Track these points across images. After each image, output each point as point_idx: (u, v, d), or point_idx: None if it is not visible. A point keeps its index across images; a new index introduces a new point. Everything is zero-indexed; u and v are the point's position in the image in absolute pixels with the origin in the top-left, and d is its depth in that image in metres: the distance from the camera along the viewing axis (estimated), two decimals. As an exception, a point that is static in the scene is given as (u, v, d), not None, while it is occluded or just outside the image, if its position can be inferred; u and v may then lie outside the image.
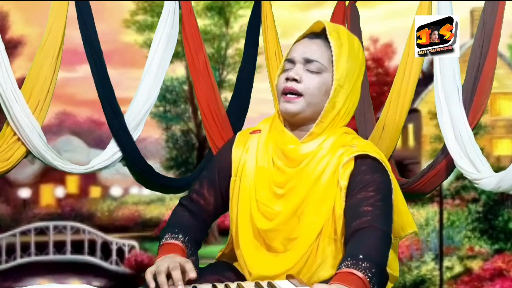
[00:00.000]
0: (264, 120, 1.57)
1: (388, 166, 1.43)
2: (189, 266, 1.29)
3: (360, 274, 1.20)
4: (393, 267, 1.51)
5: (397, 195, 1.45)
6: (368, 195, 1.35)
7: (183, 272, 1.28)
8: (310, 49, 1.44)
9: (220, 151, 1.60)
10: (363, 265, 1.22)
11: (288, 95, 1.43)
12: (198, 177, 1.59)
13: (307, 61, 1.43)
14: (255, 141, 1.52)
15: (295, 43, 1.49)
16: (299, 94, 1.42)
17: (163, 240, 1.44)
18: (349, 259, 1.24)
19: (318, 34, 1.47)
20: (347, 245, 1.32)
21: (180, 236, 1.44)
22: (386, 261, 1.30)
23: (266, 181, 1.46)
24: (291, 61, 1.46)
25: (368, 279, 1.20)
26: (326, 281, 1.39)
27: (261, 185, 1.46)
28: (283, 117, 1.48)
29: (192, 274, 1.27)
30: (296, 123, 1.46)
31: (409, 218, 1.51)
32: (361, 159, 1.40)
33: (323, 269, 1.40)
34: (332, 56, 1.43)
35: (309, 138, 1.44)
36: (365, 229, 1.31)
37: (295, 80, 1.42)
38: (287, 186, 1.43)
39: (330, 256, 1.39)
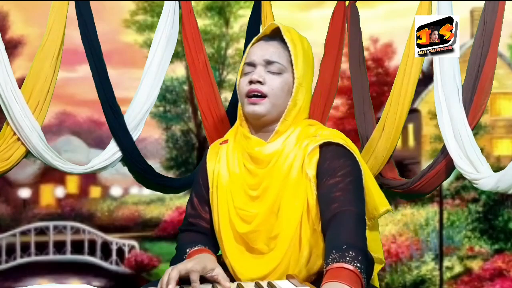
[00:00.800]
0: (229, 131, 1.62)
1: (355, 150, 1.46)
2: (222, 275, 1.31)
3: (350, 267, 1.22)
4: (375, 249, 1.53)
5: (367, 176, 1.47)
6: (337, 181, 1.38)
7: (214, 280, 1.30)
8: (269, 51, 1.49)
9: (199, 165, 1.64)
10: (349, 255, 1.23)
11: (253, 98, 1.46)
12: (188, 200, 1.62)
13: (268, 62, 1.48)
14: (224, 151, 1.56)
15: (250, 46, 1.54)
16: (263, 96, 1.46)
17: (185, 254, 1.46)
18: (334, 251, 1.25)
19: (272, 36, 1.53)
20: (326, 235, 1.34)
21: (200, 245, 1.48)
22: (366, 243, 1.32)
23: (240, 186, 1.49)
24: (251, 64, 1.50)
25: (358, 269, 1.22)
26: (317, 273, 1.44)
27: (236, 190, 1.50)
28: (248, 121, 1.51)
29: (227, 284, 1.29)
30: (261, 125, 1.50)
31: (381, 198, 1.53)
32: (325, 147, 1.43)
33: (312, 260, 1.43)
34: (289, 56, 1.49)
35: (275, 137, 1.48)
36: (340, 215, 1.33)
37: (259, 82, 1.46)
38: (261, 187, 1.46)
39: (315, 246, 1.42)
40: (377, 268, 1.56)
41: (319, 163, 1.42)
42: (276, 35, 1.53)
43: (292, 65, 1.49)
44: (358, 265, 1.23)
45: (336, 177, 1.39)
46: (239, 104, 1.54)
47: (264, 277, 1.43)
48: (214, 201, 1.54)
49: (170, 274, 1.25)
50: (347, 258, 1.23)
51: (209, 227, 1.57)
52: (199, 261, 1.31)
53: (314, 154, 1.43)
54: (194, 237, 1.55)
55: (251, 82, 1.47)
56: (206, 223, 1.58)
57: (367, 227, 1.39)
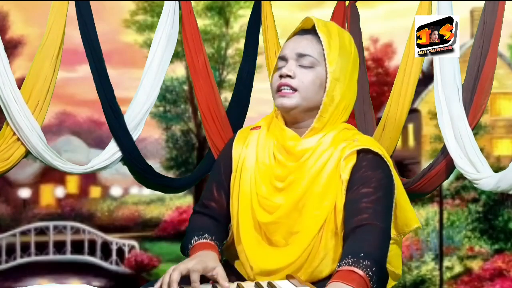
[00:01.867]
0: (264, 118, 1.58)
1: (390, 162, 1.43)
2: (222, 275, 1.29)
3: (361, 273, 1.20)
4: (395, 264, 1.51)
5: (399, 192, 1.45)
6: (369, 191, 1.36)
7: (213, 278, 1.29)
8: (301, 44, 1.45)
9: (222, 150, 1.61)
10: (364, 263, 1.22)
11: (283, 90, 1.44)
12: (206, 182, 1.60)
13: (299, 55, 1.44)
14: (255, 136, 1.53)
15: (286, 41, 1.51)
16: (293, 89, 1.43)
17: (191, 244, 1.45)
18: (350, 256, 1.24)
19: (308, 30, 1.48)
20: (346, 241, 1.33)
21: (207, 236, 1.45)
22: (386, 258, 1.31)
23: (267, 175, 1.46)
24: (283, 58, 1.47)
25: (368, 278, 1.20)
26: (327, 277, 1.40)
27: (262, 179, 1.47)
28: (281, 114, 1.49)
29: (225, 284, 1.28)
30: (293, 119, 1.47)
31: (412, 214, 1.50)
32: (363, 154, 1.40)
33: (325, 263, 1.40)
34: (323, 50, 1.44)
35: (310, 133, 1.45)
36: (365, 226, 1.31)
37: (289, 76, 1.43)
38: (288, 180, 1.43)
39: (332, 250, 1.39)
40: (391, 283, 1.55)
41: (354, 169, 1.39)
42: (313, 29, 1.48)
43: (325, 59, 1.44)
44: (370, 273, 1.21)
45: (369, 187, 1.36)
46: (272, 96, 1.51)
47: (277, 270, 1.40)
48: (236, 186, 1.50)
49: (172, 276, 1.24)
50: (361, 265, 1.21)
51: (222, 213, 1.54)
52: (201, 260, 1.30)
53: (351, 158, 1.40)
54: (203, 223, 1.52)
55: (281, 76, 1.44)
56: (219, 208, 1.54)
57: (392, 241, 1.37)
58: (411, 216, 1.50)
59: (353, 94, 1.50)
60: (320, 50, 1.44)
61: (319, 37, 1.45)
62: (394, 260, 1.42)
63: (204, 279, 1.40)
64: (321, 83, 1.44)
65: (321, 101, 1.44)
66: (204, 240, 1.45)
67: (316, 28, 1.45)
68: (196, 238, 1.45)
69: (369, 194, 1.35)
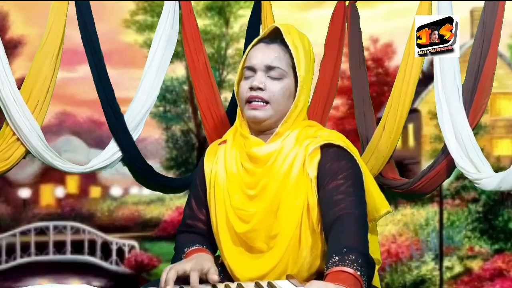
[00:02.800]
0: (228, 131, 1.61)
1: (354, 151, 1.46)
2: (214, 270, 1.31)
3: (350, 270, 1.22)
4: (373, 250, 1.52)
5: (367, 178, 1.47)
6: (338, 183, 1.38)
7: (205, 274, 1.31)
8: (270, 56, 1.47)
9: (197, 168, 1.64)
10: (349, 258, 1.23)
11: (254, 103, 1.46)
12: (186, 202, 1.62)
13: (269, 68, 1.46)
14: (222, 151, 1.56)
15: (250, 48, 1.52)
16: (265, 102, 1.45)
17: (183, 254, 1.47)
18: (334, 255, 1.25)
19: (273, 38, 1.51)
20: (328, 239, 1.34)
21: (198, 245, 1.49)
22: (367, 246, 1.32)
23: (238, 185, 1.49)
24: (251, 68, 1.49)
25: (358, 273, 1.22)
26: (316, 273, 1.44)
27: (233, 190, 1.49)
28: (248, 125, 1.51)
29: (214, 277, 1.29)
30: (261, 129, 1.49)
31: (381, 199, 1.53)
32: (326, 148, 1.43)
33: (308, 261, 1.42)
34: (290, 59, 1.47)
35: (274, 138, 1.48)
36: (341, 218, 1.33)
37: (260, 88, 1.45)
38: (258, 186, 1.46)
39: (312, 247, 1.42)
40: None
41: (320, 164, 1.42)
42: (276, 36, 1.51)
43: (293, 68, 1.48)
44: (358, 267, 1.22)
45: (338, 179, 1.39)
46: (238, 105, 1.53)
47: (263, 276, 1.43)
48: (212, 202, 1.54)
49: (168, 274, 1.26)
50: (347, 262, 1.23)
51: (206, 229, 1.57)
52: (198, 261, 1.32)
53: (315, 154, 1.43)
54: (191, 238, 1.55)
55: (251, 89, 1.46)
56: (203, 225, 1.58)
57: None
58: (380, 202, 1.52)
59: (309, 94, 1.54)
60: (287, 61, 1.48)
61: (285, 46, 1.48)
62: (371, 246, 1.43)
63: (202, 280, 1.41)
64: (290, 93, 1.48)
65: (288, 109, 1.47)
66: (197, 247, 1.48)
67: (284, 37, 1.48)
68: (187, 249, 1.48)
69: (339, 186, 1.38)
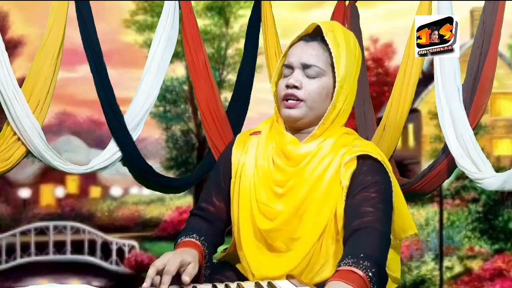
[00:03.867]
0: (264, 121, 1.57)
1: (389, 167, 1.43)
2: (188, 270, 1.29)
3: (360, 273, 1.20)
4: (393, 268, 1.51)
5: (398, 197, 1.45)
6: (369, 196, 1.35)
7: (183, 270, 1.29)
8: (307, 54, 1.43)
9: (222, 154, 1.60)
10: (364, 264, 1.22)
11: (289, 101, 1.42)
12: (205, 185, 1.59)
13: (305, 66, 1.43)
14: (255, 142, 1.52)
15: (290, 46, 1.48)
16: (300, 100, 1.42)
17: (176, 243, 1.46)
18: (349, 257, 1.24)
19: (314, 36, 1.47)
20: (346, 244, 1.32)
21: (194, 235, 1.45)
22: (385, 261, 1.30)
23: (266, 180, 1.45)
24: (289, 66, 1.46)
25: (368, 279, 1.20)
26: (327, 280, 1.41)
27: (261, 184, 1.46)
28: (282, 118, 1.48)
29: (185, 277, 1.28)
30: (297, 127, 1.46)
31: (410, 220, 1.51)
32: (363, 159, 1.40)
33: (326, 269, 1.40)
34: (330, 58, 1.43)
35: (310, 139, 1.44)
36: (365, 229, 1.31)
37: (295, 87, 1.42)
38: (287, 185, 1.43)
39: (332, 256, 1.39)
40: (391, 286, 1.55)
41: (354, 174, 1.39)
42: (317, 34, 1.46)
43: (332, 67, 1.43)
44: (370, 274, 1.21)
45: (369, 192, 1.36)
46: (276, 104, 1.50)
47: (278, 277, 1.40)
48: (236, 192, 1.50)
49: (148, 272, 1.25)
50: (361, 265, 1.22)
51: (218, 215, 1.54)
52: (178, 255, 1.31)
53: (351, 164, 1.39)
54: (196, 225, 1.52)
55: (287, 87, 1.43)
56: (215, 210, 1.54)
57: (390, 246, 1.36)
58: (408, 222, 1.50)
59: (354, 95, 1.49)
60: (326, 59, 1.43)
61: (325, 43, 1.43)
62: (392, 264, 1.42)
63: (212, 274, 1.40)
64: (328, 93, 1.43)
65: (326, 109, 1.43)
66: (190, 239, 1.45)
67: (325, 35, 1.43)
68: (183, 237, 1.46)
69: (369, 199, 1.35)
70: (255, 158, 1.49)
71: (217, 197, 1.54)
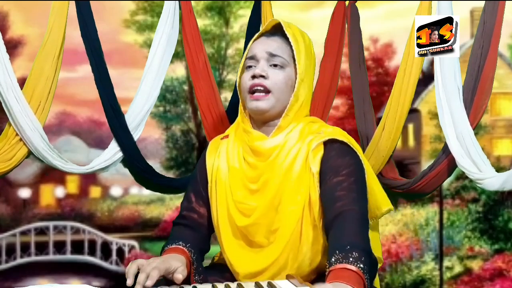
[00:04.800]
0: (230, 127, 1.62)
1: (357, 148, 1.46)
2: (179, 270, 1.31)
3: (353, 268, 1.22)
4: (375, 248, 1.53)
5: (370, 176, 1.47)
6: (341, 179, 1.38)
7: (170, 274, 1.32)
8: (271, 45, 1.48)
9: (198, 162, 1.64)
10: (353, 256, 1.24)
11: (256, 94, 1.45)
12: (184, 195, 1.62)
13: (271, 55, 1.47)
14: (224, 146, 1.56)
15: (252, 42, 1.52)
16: (267, 91, 1.45)
17: (163, 251, 1.49)
18: (337, 252, 1.25)
19: (273, 32, 1.52)
20: (329, 234, 1.34)
21: (180, 243, 1.48)
22: (369, 244, 1.32)
23: (240, 179, 1.49)
24: (253, 58, 1.49)
25: (361, 271, 1.22)
26: (316, 271, 1.44)
27: (235, 184, 1.49)
28: (249, 116, 1.51)
29: (177, 275, 1.31)
30: (263, 120, 1.49)
31: (384, 197, 1.53)
32: (330, 144, 1.43)
33: (309, 257, 1.43)
34: (291, 52, 1.48)
35: (276, 132, 1.48)
36: (343, 214, 1.33)
37: (262, 76, 1.45)
38: (260, 180, 1.46)
39: (313, 242, 1.42)
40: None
41: (323, 160, 1.42)
42: (277, 31, 1.52)
43: (294, 60, 1.48)
44: (361, 265, 1.23)
45: (340, 175, 1.39)
46: (240, 99, 1.53)
47: (262, 271, 1.43)
48: (213, 197, 1.54)
49: (129, 268, 1.30)
50: (350, 259, 1.23)
51: (201, 222, 1.57)
52: (164, 261, 1.33)
53: (318, 150, 1.43)
54: (181, 233, 1.55)
55: (254, 77, 1.46)
56: (198, 217, 1.57)
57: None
58: (381, 199, 1.52)
59: (312, 89, 1.55)
60: (289, 52, 1.48)
61: (286, 39, 1.49)
62: (373, 244, 1.44)
63: (203, 280, 1.41)
64: (291, 84, 1.48)
65: (288, 101, 1.47)
66: (176, 245, 1.47)
67: (285, 30, 1.49)
68: (169, 246, 1.48)
69: (341, 182, 1.38)
70: (226, 160, 1.53)
71: (198, 204, 1.58)
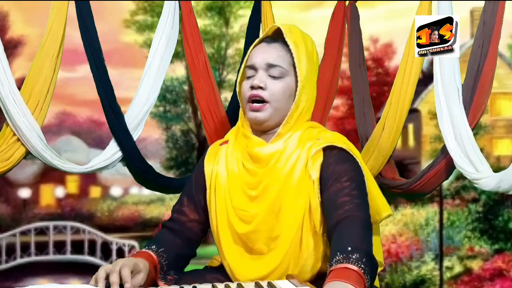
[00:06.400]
0: (230, 131, 1.60)
1: (356, 154, 1.46)
2: (125, 273, 1.30)
3: (354, 267, 1.21)
4: (375, 252, 1.53)
5: (369, 181, 1.47)
6: (342, 186, 1.38)
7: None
8: (271, 55, 1.47)
9: (196, 167, 1.63)
10: (354, 257, 1.23)
11: (254, 104, 1.46)
12: (178, 199, 1.62)
13: (270, 66, 1.46)
14: (224, 151, 1.55)
15: (252, 48, 1.52)
16: (264, 102, 1.45)
17: (136, 253, 1.48)
18: (338, 253, 1.25)
19: (274, 38, 1.51)
20: (331, 239, 1.34)
21: (153, 247, 1.48)
22: (371, 247, 1.32)
23: (239, 185, 1.48)
24: (252, 67, 1.49)
25: (362, 270, 1.22)
26: (317, 274, 1.43)
27: (235, 190, 1.49)
28: (250, 125, 1.51)
29: (127, 285, 1.29)
30: (263, 129, 1.49)
31: (383, 202, 1.52)
32: (329, 150, 1.43)
33: (309, 263, 1.42)
34: (291, 59, 1.47)
35: (276, 139, 1.47)
36: (346, 220, 1.33)
37: (260, 87, 1.45)
38: (260, 187, 1.45)
39: (314, 249, 1.41)
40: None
41: (323, 166, 1.41)
42: (278, 36, 1.51)
43: (294, 67, 1.47)
44: (362, 266, 1.22)
45: (341, 182, 1.38)
46: (241, 105, 1.53)
47: (263, 278, 1.42)
48: (212, 203, 1.53)
49: (99, 274, 1.30)
50: (351, 260, 1.23)
51: (189, 225, 1.56)
52: (130, 260, 1.34)
53: (317, 156, 1.42)
54: (161, 237, 1.55)
55: (252, 88, 1.46)
56: (187, 220, 1.56)
57: None
58: (381, 205, 1.52)
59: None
60: (289, 60, 1.47)
61: (286, 45, 1.48)
62: (374, 248, 1.44)
63: (203, 280, 1.41)
64: (291, 93, 1.47)
65: (289, 109, 1.47)
66: (146, 250, 1.47)
67: (285, 37, 1.48)
68: (144, 249, 1.49)
69: (343, 188, 1.37)
70: (225, 166, 1.52)
71: (189, 207, 1.57)
